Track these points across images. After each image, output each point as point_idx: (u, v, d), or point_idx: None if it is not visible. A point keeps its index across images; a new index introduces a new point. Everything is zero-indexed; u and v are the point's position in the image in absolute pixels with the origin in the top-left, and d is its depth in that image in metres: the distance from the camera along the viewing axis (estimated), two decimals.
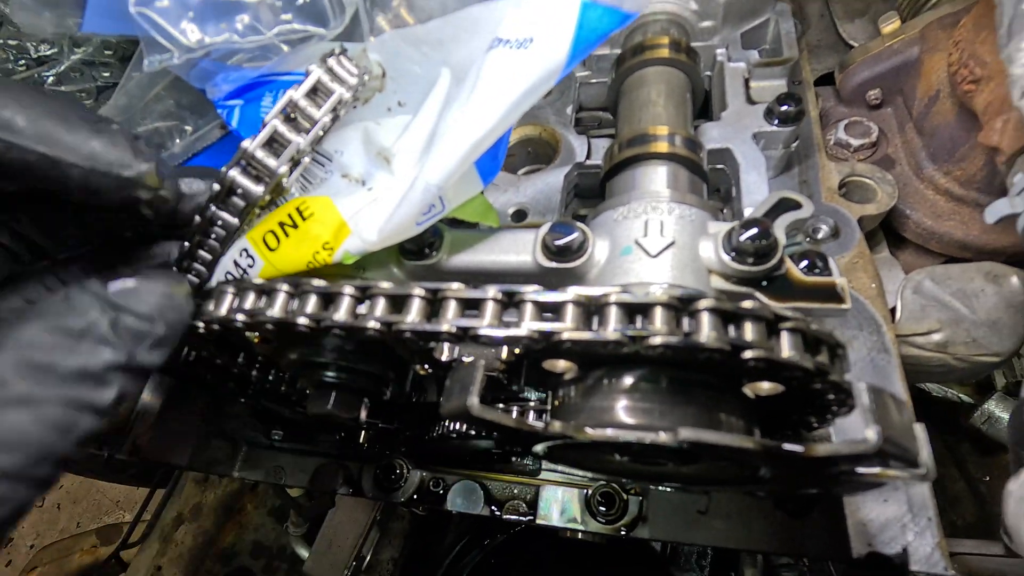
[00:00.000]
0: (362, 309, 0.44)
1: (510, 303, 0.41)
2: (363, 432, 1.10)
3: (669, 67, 0.67)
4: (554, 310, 0.40)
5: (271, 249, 0.51)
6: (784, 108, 0.65)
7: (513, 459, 1.03)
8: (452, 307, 0.42)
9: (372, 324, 0.42)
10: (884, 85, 0.79)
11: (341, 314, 0.43)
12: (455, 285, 0.42)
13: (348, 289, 0.44)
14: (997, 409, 1.24)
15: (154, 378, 0.78)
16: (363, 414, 0.58)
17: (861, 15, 0.91)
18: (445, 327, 0.41)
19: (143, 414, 0.76)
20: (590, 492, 0.89)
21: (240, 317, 0.46)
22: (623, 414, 0.41)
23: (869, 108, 0.82)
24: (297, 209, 0.51)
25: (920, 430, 0.39)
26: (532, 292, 0.40)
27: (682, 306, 0.38)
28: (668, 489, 0.79)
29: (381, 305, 0.43)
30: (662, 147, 0.58)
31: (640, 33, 0.72)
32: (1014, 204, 0.53)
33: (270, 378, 0.67)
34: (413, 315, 0.42)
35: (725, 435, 0.35)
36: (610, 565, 2.19)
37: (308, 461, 1.04)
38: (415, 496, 0.97)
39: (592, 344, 0.38)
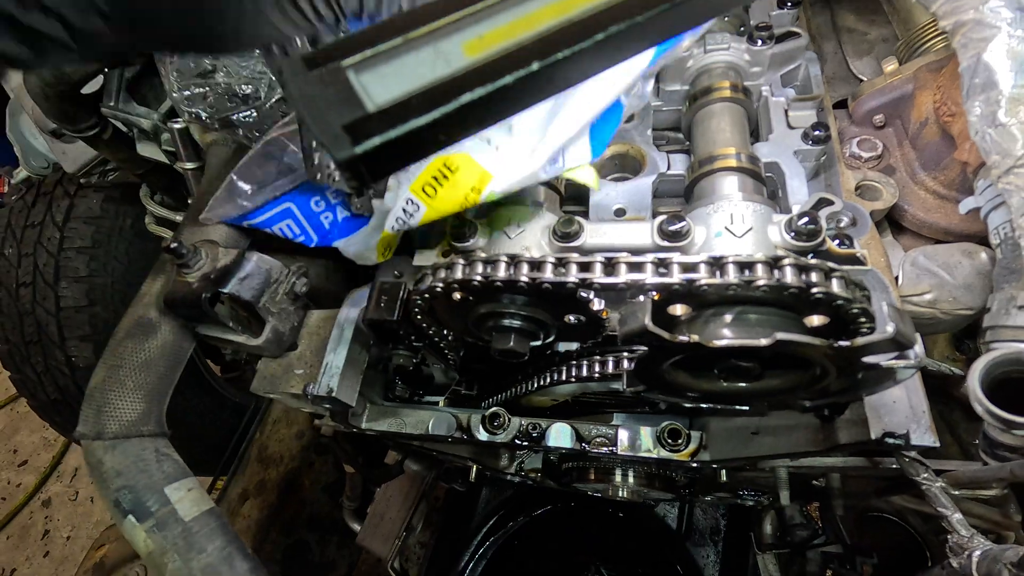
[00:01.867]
0: (561, 271, 0.69)
1: (661, 264, 0.67)
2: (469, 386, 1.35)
3: (731, 103, 0.93)
4: (690, 268, 0.65)
5: (430, 196, 0.75)
6: (816, 133, 0.90)
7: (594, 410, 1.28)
8: (624, 268, 0.67)
9: (572, 279, 0.68)
10: (886, 112, 1.05)
11: (548, 274, 0.69)
12: (623, 254, 0.68)
13: (551, 258, 0.70)
14: (980, 447, 1.48)
15: (339, 335, 1.02)
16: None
17: (867, 54, 1.17)
18: (622, 279, 0.66)
19: (330, 363, 1.01)
20: (659, 428, 1.15)
21: (477, 278, 0.71)
22: (732, 331, 0.66)
23: (875, 128, 1.08)
24: (444, 164, 0.74)
25: (919, 339, 0.64)
26: (674, 254, 0.66)
27: (773, 263, 0.63)
28: (733, 413, 1.04)
29: (574, 268, 0.69)
30: (732, 163, 0.84)
31: (706, 77, 0.98)
32: (978, 200, 0.79)
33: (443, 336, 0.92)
34: (599, 272, 0.67)
35: (802, 335, 0.61)
36: (628, 540, 2.39)
37: (424, 413, 1.29)
38: (516, 439, 1.21)
39: (719, 287, 0.64)
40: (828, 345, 0.61)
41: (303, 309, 1.08)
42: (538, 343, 0.86)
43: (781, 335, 0.61)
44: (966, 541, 0.96)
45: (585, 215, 0.93)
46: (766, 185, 0.86)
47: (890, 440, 0.76)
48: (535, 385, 1.23)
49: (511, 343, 0.80)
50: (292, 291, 1.00)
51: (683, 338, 0.64)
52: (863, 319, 0.65)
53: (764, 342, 0.62)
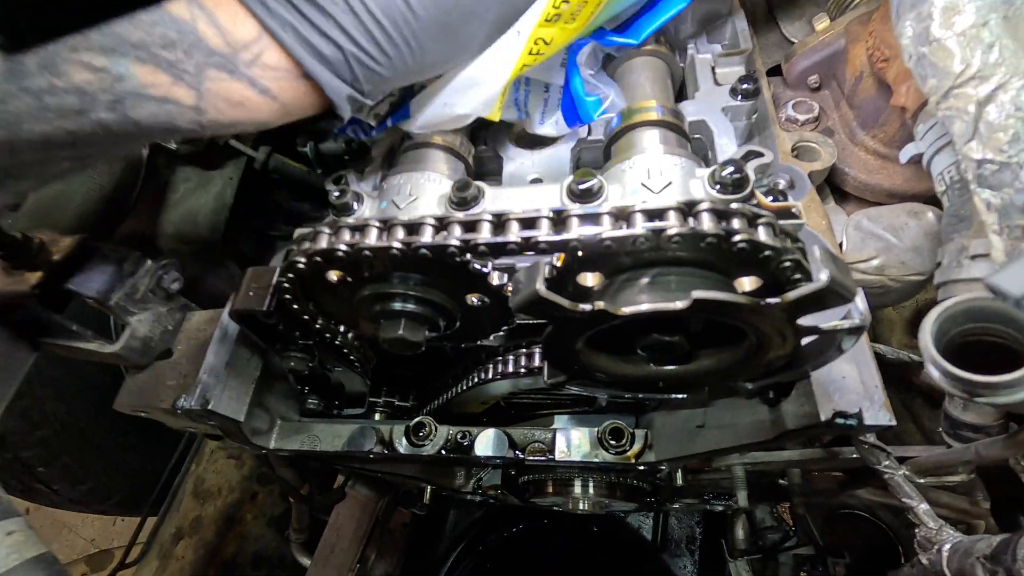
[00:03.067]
0: (442, 234, 0.57)
1: (558, 220, 0.55)
2: (391, 399, 1.21)
3: (651, 56, 0.83)
4: (591, 221, 0.54)
5: None
6: (744, 86, 0.81)
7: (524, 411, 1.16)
8: (515, 225, 0.56)
9: (453, 241, 0.56)
10: (821, 71, 0.98)
11: (426, 237, 0.57)
12: (516, 208, 0.56)
13: (430, 220, 0.57)
14: (941, 427, 1.43)
15: (222, 336, 0.88)
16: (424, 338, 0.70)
17: (799, 18, 1.11)
18: (513, 236, 0.54)
19: (209, 371, 0.86)
20: (600, 429, 1.03)
21: (342, 246, 0.58)
22: (647, 296, 0.55)
23: (811, 91, 1.01)
24: None
25: (861, 294, 0.54)
26: (576, 207, 0.55)
27: (688, 208, 0.52)
28: (674, 403, 0.94)
29: (457, 229, 0.57)
30: (652, 116, 0.74)
31: None
32: (919, 146, 0.70)
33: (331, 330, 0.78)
34: (485, 232, 0.55)
35: (724, 293, 0.50)
36: (603, 555, 2.29)
37: (341, 428, 1.14)
38: (444, 449, 1.08)
39: (625, 242, 0.52)
40: (755, 303, 0.50)
41: (181, 311, 0.93)
42: (437, 332, 0.73)
43: (699, 293, 0.50)
44: (934, 534, 0.86)
45: None
46: (691, 141, 0.76)
47: (841, 421, 0.65)
48: (461, 388, 1.10)
49: (400, 330, 0.67)
50: (160, 287, 0.85)
51: (585, 306, 0.53)
52: (799, 276, 0.54)
53: (679, 304, 0.51)
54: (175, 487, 2.51)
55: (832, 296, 0.49)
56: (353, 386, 1.16)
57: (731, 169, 0.62)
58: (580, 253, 0.56)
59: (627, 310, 0.53)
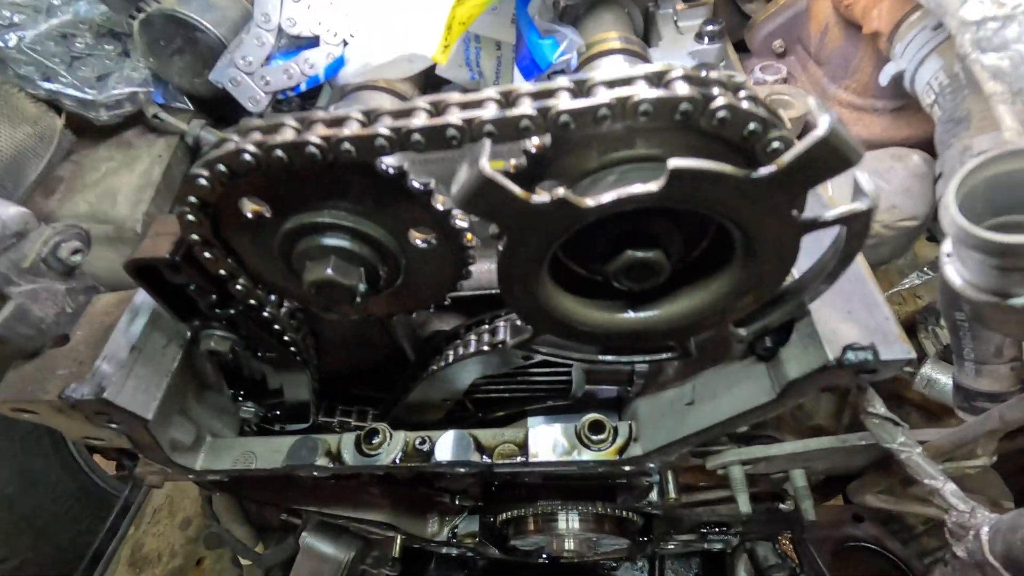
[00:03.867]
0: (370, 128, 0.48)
1: (507, 101, 0.47)
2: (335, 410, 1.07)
3: (614, 4, 0.79)
4: (548, 95, 0.46)
5: None
6: (710, 28, 0.77)
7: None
8: (455, 108, 0.47)
9: (383, 131, 0.46)
10: (784, 35, 0.95)
11: (352, 129, 0.47)
12: (454, 94, 0.48)
13: (355, 114, 0.48)
14: (933, 372, 1.36)
15: (131, 317, 0.75)
16: (361, 286, 0.59)
17: None
18: (454, 119, 0.45)
19: (110, 357, 0.72)
20: (579, 425, 0.90)
21: (249, 148, 0.48)
22: (616, 188, 0.46)
23: (776, 57, 0.98)
24: None
25: (862, 173, 0.46)
26: (526, 86, 0.46)
27: (658, 77, 0.45)
28: (658, 376, 0.82)
29: (387, 119, 0.47)
30: (615, 44, 0.68)
31: None
32: (899, 64, 0.65)
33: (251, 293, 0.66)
34: (421, 119, 0.46)
35: (708, 161, 0.41)
36: None
37: (281, 442, 0.98)
38: (401, 458, 0.93)
39: (583, 118, 0.44)
40: (744, 175, 0.42)
41: (85, 293, 0.80)
42: (377, 284, 0.62)
43: (676, 162, 0.41)
44: (968, 517, 0.74)
45: None
46: None
47: (852, 357, 0.55)
48: (418, 383, 0.96)
49: (329, 269, 0.56)
50: (55, 257, 0.73)
51: (540, 197, 0.43)
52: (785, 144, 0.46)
53: (653, 186, 0.42)
54: (109, 554, 2.22)
55: (835, 157, 0.40)
56: (296, 393, 1.02)
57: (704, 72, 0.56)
58: (535, 142, 0.47)
59: (592, 201, 0.44)
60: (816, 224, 0.46)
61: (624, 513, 1.22)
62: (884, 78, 0.69)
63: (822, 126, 0.39)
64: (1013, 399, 0.73)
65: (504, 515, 1.23)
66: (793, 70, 0.95)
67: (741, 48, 1.05)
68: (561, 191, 0.44)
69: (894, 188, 0.76)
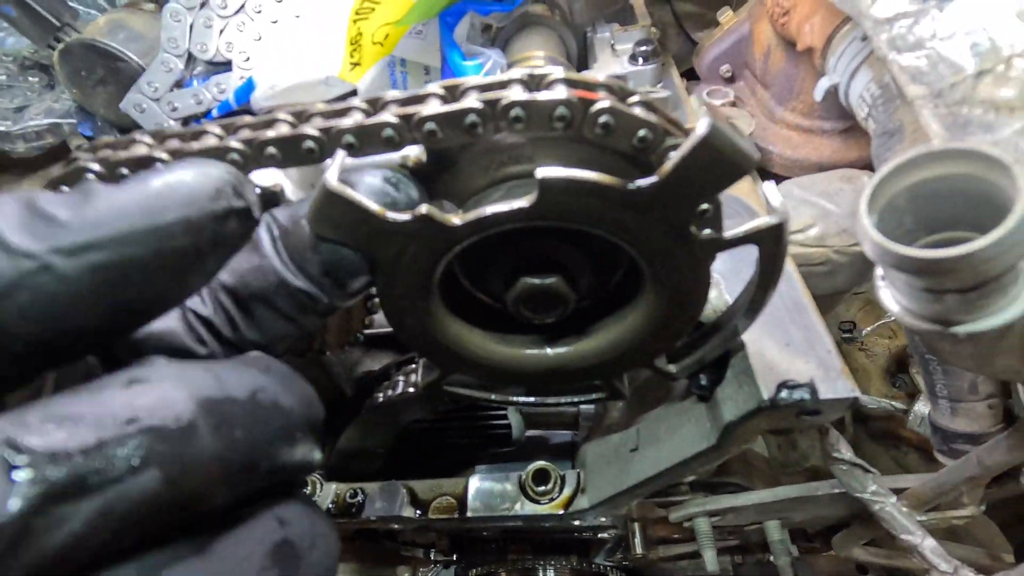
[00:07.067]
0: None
1: (373, 110, 0.42)
2: None
3: (539, 25, 0.76)
4: (416, 101, 0.41)
5: None
6: (643, 48, 0.74)
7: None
8: (317, 119, 0.42)
9: (235, 145, 0.41)
10: (731, 59, 0.93)
11: (208, 143, 0.42)
12: (320, 104, 0.43)
13: (213, 127, 0.44)
14: (926, 409, 1.29)
15: None
16: None
17: (708, 25, 1.09)
18: (310, 130, 0.40)
19: None
20: (524, 475, 0.82)
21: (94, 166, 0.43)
22: (491, 205, 0.40)
23: (725, 82, 0.95)
24: None
25: (771, 187, 0.41)
26: (396, 93, 0.42)
27: (534, 81, 0.40)
28: (599, 423, 0.75)
29: (245, 132, 0.43)
30: (539, 62, 0.64)
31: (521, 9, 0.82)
32: (831, 78, 0.61)
33: None
34: (278, 130, 0.42)
35: (581, 171, 0.36)
36: None
37: None
38: (330, 510, 0.84)
39: (451, 118, 0.39)
40: (621, 184, 0.36)
41: None
42: None
43: (544, 172, 0.35)
44: None
45: None
46: None
47: (788, 396, 0.48)
48: (349, 426, 0.89)
49: None
50: None
51: (398, 215, 0.38)
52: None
53: (524, 201, 0.37)
54: None
55: (722, 163, 0.35)
56: None
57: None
58: (411, 157, 0.42)
59: (458, 219, 0.38)
60: (721, 243, 0.40)
61: (602, 568, 1.12)
62: (819, 93, 0.65)
63: (701, 127, 0.33)
64: (991, 441, 0.66)
65: (475, 571, 1.13)
66: (742, 94, 0.92)
67: (692, 76, 1.03)
68: (424, 208, 0.38)
69: (844, 211, 0.71)
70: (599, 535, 1.09)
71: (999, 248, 0.31)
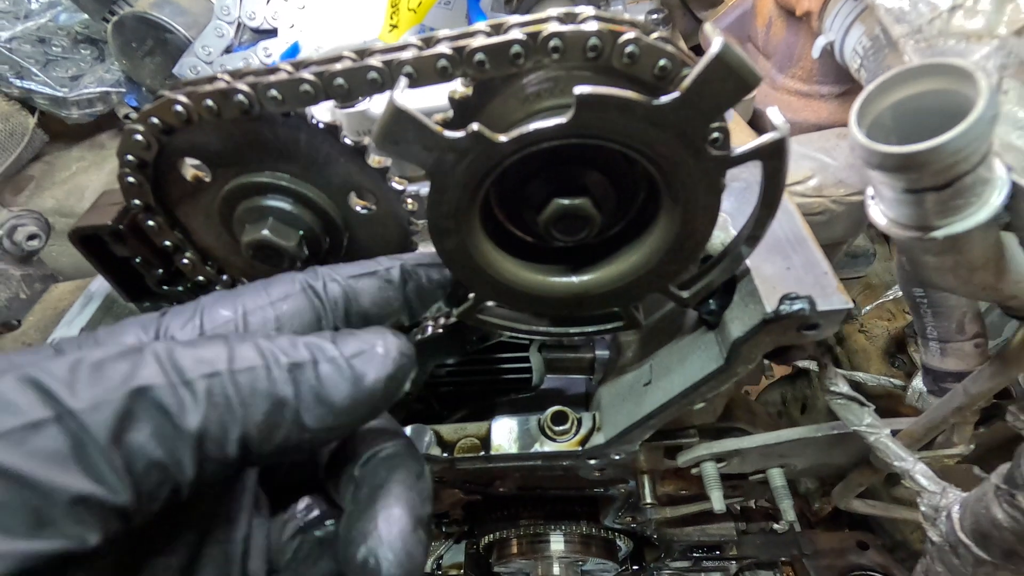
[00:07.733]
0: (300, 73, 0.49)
1: (426, 45, 0.48)
2: None
3: None
4: (465, 36, 0.47)
5: None
6: (654, 16, 0.80)
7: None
8: (377, 54, 0.48)
9: (307, 76, 0.48)
10: (735, 33, 0.99)
11: (280, 76, 0.49)
12: (378, 43, 0.49)
13: (284, 64, 0.50)
14: (923, 386, 1.34)
15: (86, 301, 0.74)
16: (302, 252, 0.59)
17: (713, 5, 1.16)
18: (374, 62, 0.47)
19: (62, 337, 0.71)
20: (542, 417, 0.88)
21: (181, 99, 0.49)
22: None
23: None
24: None
25: (774, 110, 0.47)
26: (446, 31, 0.48)
27: (569, 18, 0.46)
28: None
29: (313, 67, 0.49)
30: None
31: None
32: (828, 36, 0.68)
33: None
34: (343, 64, 0.48)
35: (614, 88, 0.42)
36: None
37: None
38: None
39: (498, 49, 0.45)
40: (648, 100, 0.42)
41: (43, 282, 0.80)
42: (318, 250, 0.62)
43: (582, 89, 0.42)
44: (939, 498, 0.71)
45: None
46: None
47: (788, 307, 0.54)
48: None
49: (266, 229, 0.57)
50: (12, 241, 0.73)
51: (455, 132, 0.44)
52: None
53: (563, 118, 0.43)
54: None
55: (733, 78, 0.41)
56: None
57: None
58: (459, 92, 0.48)
59: (504, 136, 0.45)
60: (730, 160, 0.47)
61: (610, 534, 1.18)
62: (816, 51, 0.71)
63: (715, 46, 0.40)
64: (975, 372, 0.71)
65: (487, 538, 1.19)
66: None
67: (698, 53, 1.09)
68: (475, 125, 0.45)
69: (840, 163, 0.77)
70: (609, 491, 1.14)
71: (965, 139, 0.37)
